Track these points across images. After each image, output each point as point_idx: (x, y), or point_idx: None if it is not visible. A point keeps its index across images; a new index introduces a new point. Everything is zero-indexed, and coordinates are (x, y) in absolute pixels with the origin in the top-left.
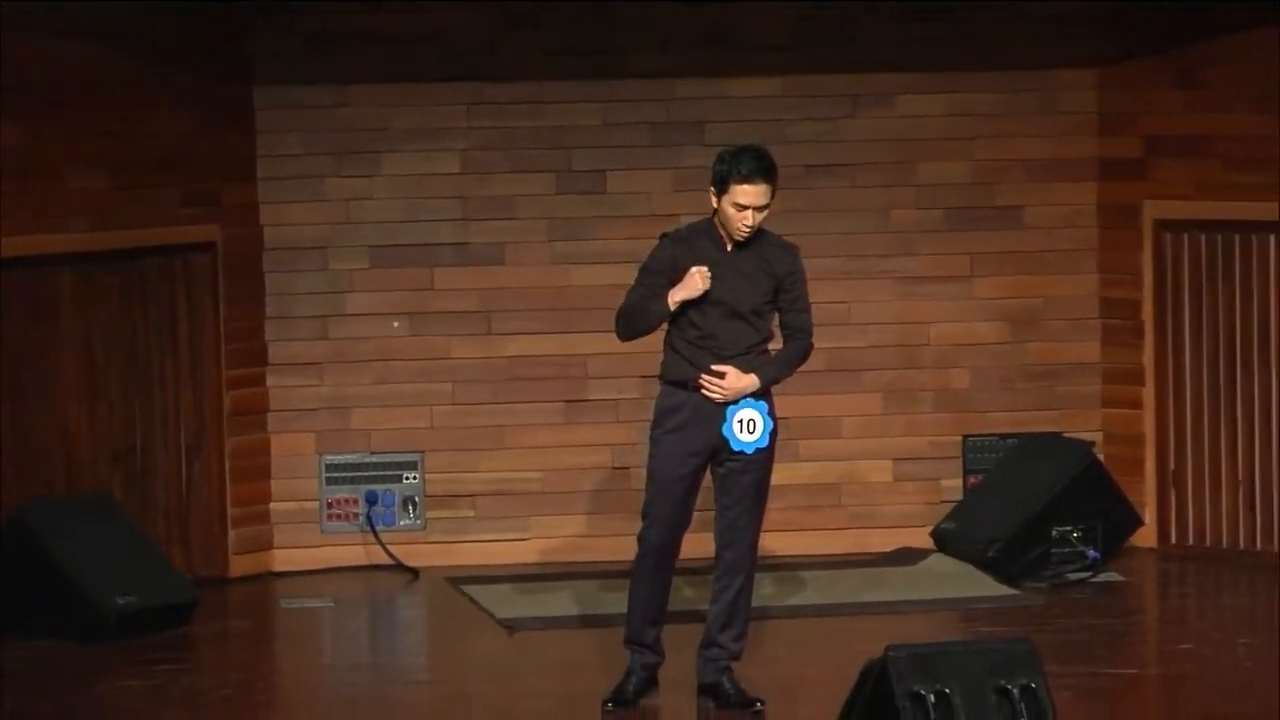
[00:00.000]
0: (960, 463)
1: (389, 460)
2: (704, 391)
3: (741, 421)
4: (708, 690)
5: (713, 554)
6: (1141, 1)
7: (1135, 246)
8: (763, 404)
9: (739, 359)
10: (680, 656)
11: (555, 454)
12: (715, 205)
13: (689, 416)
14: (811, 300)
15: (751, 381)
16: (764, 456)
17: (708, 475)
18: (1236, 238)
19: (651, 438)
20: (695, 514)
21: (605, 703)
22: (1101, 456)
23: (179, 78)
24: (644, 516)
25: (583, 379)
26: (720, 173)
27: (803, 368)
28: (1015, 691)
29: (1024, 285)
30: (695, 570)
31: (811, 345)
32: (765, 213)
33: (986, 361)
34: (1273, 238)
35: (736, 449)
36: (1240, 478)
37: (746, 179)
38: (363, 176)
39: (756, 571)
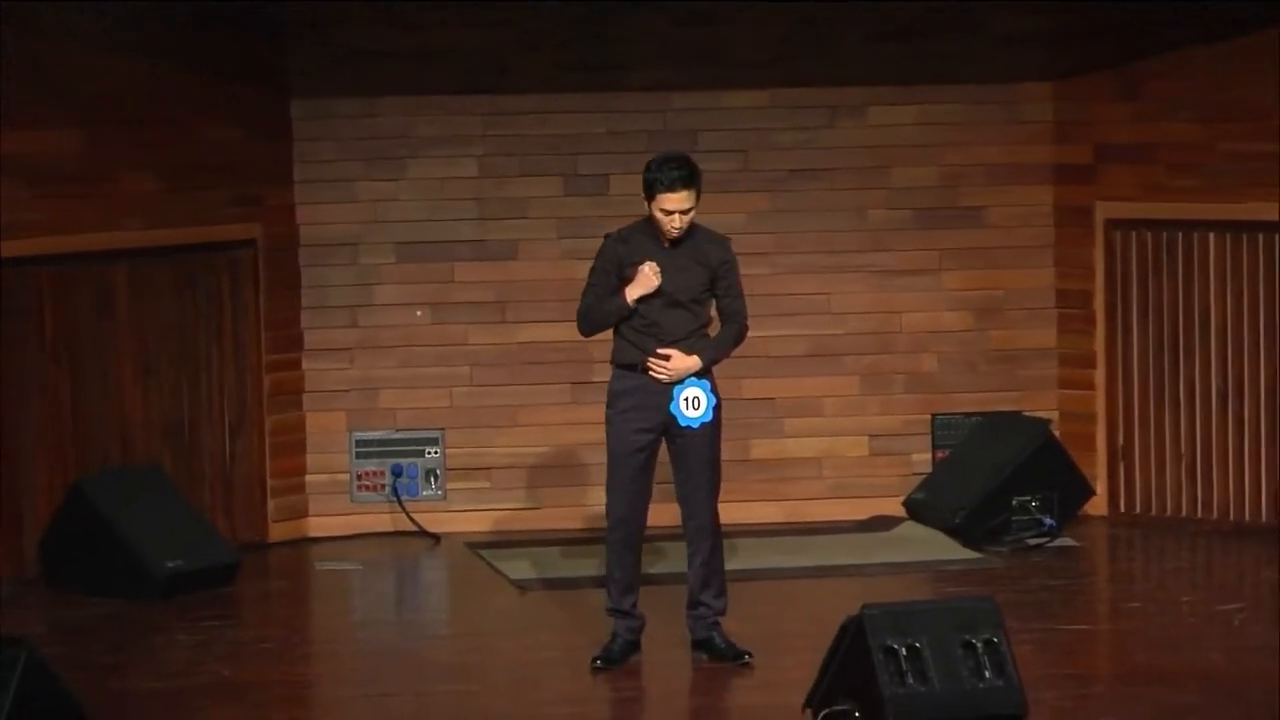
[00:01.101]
0: (929, 439)
1: (413, 436)
2: (652, 373)
3: (687, 399)
4: (700, 645)
5: (677, 523)
6: (1092, 22)
7: (1087, 243)
8: (705, 382)
9: (681, 343)
10: (667, 615)
11: (563, 431)
12: (648, 209)
13: (639, 397)
14: (795, 292)
15: (694, 362)
16: (710, 430)
17: (664, 451)
18: (1179, 235)
19: (607, 417)
20: (658, 487)
21: (594, 660)
22: (1057, 433)
23: (225, 92)
24: (607, 491)
25: (587, 363)
26: (647, 181)
27: (787, 352)
28: (979, 645)
29: (986, 278)
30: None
31: (746, 327)
32: (692, 214)
33: (953, 347)
34: (1211, 235)
35: (683, 424)
36: (1183, 451)
37: (669, 188)
38: (389, 180)
39: (745, 537)
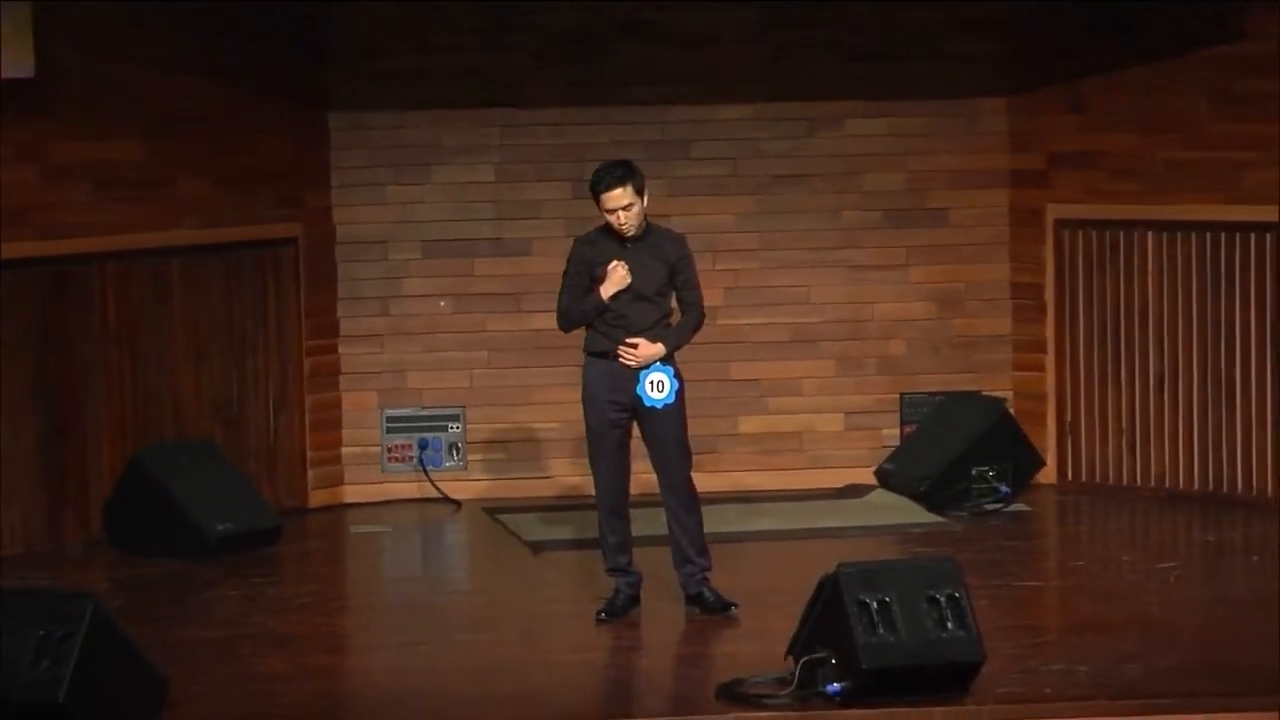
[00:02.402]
0: (898, 415)
1: (437, 413)
2: (621, 360)
3: (652, 382)
4: (693, 600)
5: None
6: (1042, 44)
7: (1039, 241)
8: (669, 368)
9: (647, 333)
10: (662, 574)
11: (571, 409)
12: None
13: (610, 381)
14: (778, 284)
15: (659, 350)
16: (675, 410)
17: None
18: (1121, 234)
19: (583, 399)
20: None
21: (599, 613)
22: (1011, 410)
23: (272, 106)
24: (592, 465)
25: None
26: (590, 187)
27: (771, 339)
28: (942, 600)
29: (949, 272)
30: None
31: (703, 315)
32: (634, 210)
33: (919, 334)
34: (1150, 234)
35: (649, 405)
36: (1123, 427)
37: (606, 188)
38: (416, 184)
39: (734, 504)
